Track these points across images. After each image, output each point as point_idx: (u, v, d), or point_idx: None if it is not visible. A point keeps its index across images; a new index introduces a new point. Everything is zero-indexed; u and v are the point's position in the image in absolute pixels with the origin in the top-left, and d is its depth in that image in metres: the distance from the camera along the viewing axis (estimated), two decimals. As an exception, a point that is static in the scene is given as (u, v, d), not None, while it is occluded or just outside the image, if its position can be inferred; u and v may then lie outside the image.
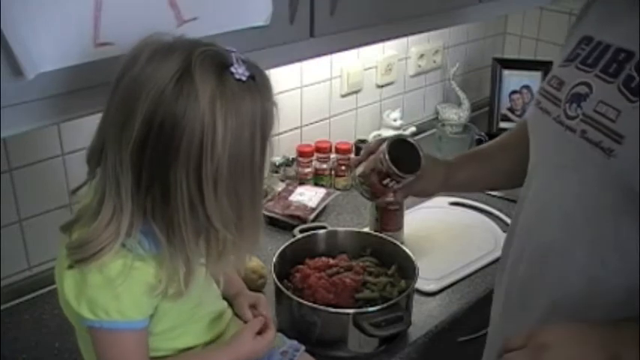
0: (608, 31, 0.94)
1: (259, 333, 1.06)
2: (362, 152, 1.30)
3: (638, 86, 0.85)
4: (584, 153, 0.89)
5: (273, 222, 1.65)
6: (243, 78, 0.83)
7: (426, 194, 1.36)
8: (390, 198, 1.29)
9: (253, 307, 1.13)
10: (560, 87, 0.97)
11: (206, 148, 0.80)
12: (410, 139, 1.27)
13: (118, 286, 0.87)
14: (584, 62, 0.95)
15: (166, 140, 0.80)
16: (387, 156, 1.21)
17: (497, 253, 1.24)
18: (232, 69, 0.83)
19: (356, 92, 1.98)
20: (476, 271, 1.46)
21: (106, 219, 0.85)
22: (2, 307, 1.33)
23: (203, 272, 0.95)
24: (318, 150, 1.82)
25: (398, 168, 1.20)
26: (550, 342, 0.85)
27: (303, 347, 1.14)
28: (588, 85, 0.92)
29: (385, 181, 1.23)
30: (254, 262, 1.38)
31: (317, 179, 1.83)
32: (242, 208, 0.88)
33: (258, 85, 0.85)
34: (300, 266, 1.31)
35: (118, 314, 0.88)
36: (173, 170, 0.81)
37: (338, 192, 1.78)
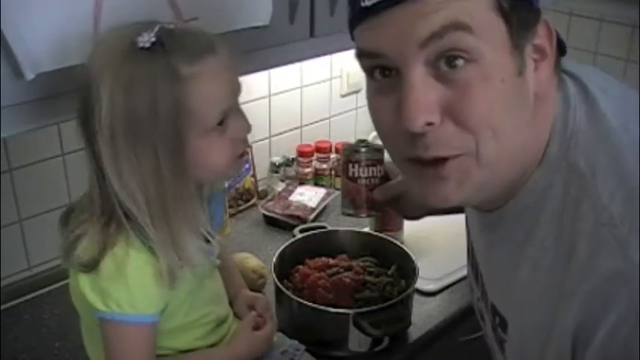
0: None
1: (256, 329, 1.07)
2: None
3: None
4: None
5: (273, 222, 1.65)
6: (147, 45, 0.83)
7: (411, 212, 1.20)
8: (370, 212, 1.19)
9: (252, 307, 1.13)
10: None
11: (97, 115, 0.82)
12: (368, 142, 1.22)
13: (130, 278, 0.87)
14: None
15: (83, 119, 0.86)
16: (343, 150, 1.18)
17: (497, 253, 1.24)
18: (138, 39, 0.83)
19: (356, 92, 1.98)
20: (466, 277, 1.46)
21: (97, 214, 0.89)
22: (2, 307, 1.33)
23: (199, 261, 0.94)
24: (318, 150, 1.82)
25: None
26: None
27: (303, 347, 1.14)
28: None
29: (350, 173, 1.17)
30: (254, 262, 1.39)
31: (317, 179, 1.83)
32: (147, 183, 0.85)
33: (165, 51, 0.83)
34: (300, 266, 1.31)
35: (130, 307, 0.89)
36: (90, 149, 0.86)
37: (338, 192, 1.78)
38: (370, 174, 1.15)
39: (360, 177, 1.16)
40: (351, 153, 1.16)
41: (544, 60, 0.72)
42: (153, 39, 0.83)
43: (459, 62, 0.67)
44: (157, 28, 0.84)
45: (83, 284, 0.89)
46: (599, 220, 0.68)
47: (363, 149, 1.16)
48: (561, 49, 0.75)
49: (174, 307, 0.96)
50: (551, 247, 0.73)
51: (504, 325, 0.83)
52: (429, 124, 0.68)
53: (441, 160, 0.71)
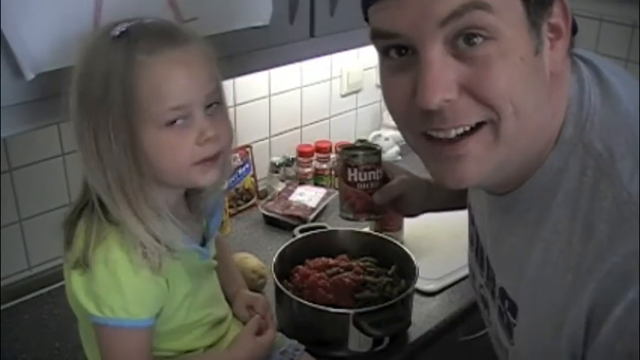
0: None
1: (259, 333, 1.06)
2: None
3: None
4: None
5: (273, 222, 1.65)
6: (116, 33, 0.84)
7: (410, 211, 1.23)
8: (370, 216, 1.19)
9: (251, 307, 1.13)
10: None
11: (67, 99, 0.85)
12: (365, 143, 1.21)
13: (124, 283, 0.87)
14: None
15: None
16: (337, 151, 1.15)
17: (497, 253, 1.24)
18: (113, 28, 0.84)
19: (356, 92, 1.98)
20: (467, 276, 1.46)
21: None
22: (2, 307, 1.33)
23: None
24: (318, 150, 1.82)
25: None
26: None
27: (303, 347, 1.14)
28: None
29: (349, 178, 1.14)
30: (254, 262, 1.38)
31: (317, 179, 1.83)
32: (106, 167, 0.84)
33: (130, 39, 0.83)
34: (300, 266, 1.31)
35: (123, 311, 0.88)
36: None
37: (337, 192, 1.78)
38: (369, 178, 1.14)
39: (359, 181, 1.14)
40: (349, 157, 1.14)
41: (560, 39, 0.73)
42: (123, 29, 0.84)
43: (478, 40, 0.67)
44: (135, 21, 0.85)
45: (77, 288, 0.89)
46: (619, 200, 0.68)
47: (361, 153, 1.14)
48: (573, 28, 0.75)
49: (171, 310, 0.96)
50: (565, 229, 0.73)
51: (514, 309, 0.82)
52: (446, 100, 0.68)
53: (459, 138, 0.71)
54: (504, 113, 0.69)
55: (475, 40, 0.67)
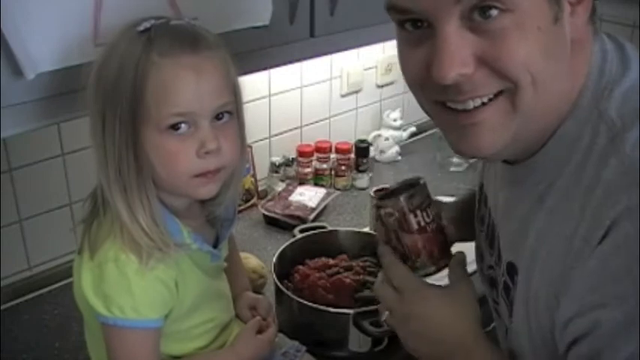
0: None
1: (260, 332, 1.06)
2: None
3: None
4: None
5: (273, 222, 1.65)
6: (140, 29, 0.84)
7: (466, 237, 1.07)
8: (450, 256, 0.94)
9: (253, 308, 1.13)
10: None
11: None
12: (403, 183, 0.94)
13: (133, 283, 0.87)
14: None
15: None
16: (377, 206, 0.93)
17: (497, 253, 1.23)
18: (140, 24, 0.84)
19: (356, 92, 1.98)
20: (476, 271, 1.45)
21: None
22: (2, 307, 1.33)
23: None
24: (318, 150, 1.82)
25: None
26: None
27: (304, 348, 1.14)
28: None
29: (416, 225, 0.90)
30: (254, 262, 1.38)
31: (317, 179, 1.83)
32: (108, 158, 0.84)
33: (150, 37, 0.83)
34: (300, 266, 1.31)
35: (133, 312, 0.88)
36: None
37: (338, 192, 1.78)
38: (433, 213, 0.91)
39: (427, 223, 0.90)
40: (405, 202, 0.89)
41: (580, 4, 0.72)
42: (148, 25, 0.84)
43: (494, 12, 0.66)
44: (163, 19, 0.85)
45: (86, 287, 0.88)
46: (619, 168, 0.68)
47: (411, 190, 0.90)
48: None
49: (179, 312, 0.95)
50: (568, 196, 0.72)
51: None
52: (462, 75, 0.68)
53: (476, 109, 0.71)
54: (522, 82, 0.69)
55: (491, 12, 0.66)
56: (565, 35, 0.71)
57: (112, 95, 0.83)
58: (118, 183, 0.85)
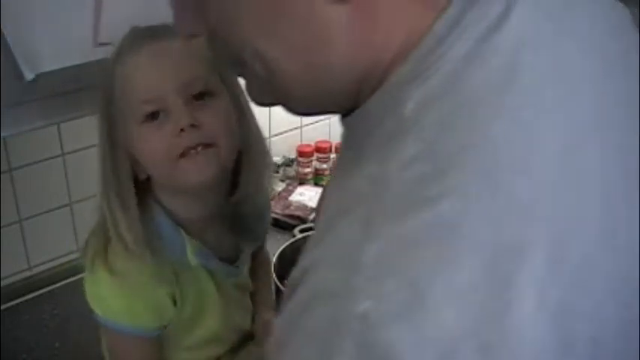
0: None
1: None
2: None
3: None
4: None
5: (273, 222, 1.65)
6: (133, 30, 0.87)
7: None
8: None
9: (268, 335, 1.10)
10: None
11: None
12: None
13: (128, 290, 0.87)
14: None
15: None
16: None
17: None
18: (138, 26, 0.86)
19: (356, 92, 1.97)
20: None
21: None
22: (2, 307, 1.33)
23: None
24: (318, 150, 1.82)
25: None
26: None
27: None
28: None
29: None
30: (254, 262, 1.38)
31: (317, 179, 1.83)
32: (104, 159, 0.86)
33: (131, 38, 0.85)
34: (300, 266, 1.31)
35: (127, 318, 0.88)
36: None
37: (338, 192, 1.78)
38: None
39: None
40: None
41: None
42: (137, 27, 0.86)
43: None
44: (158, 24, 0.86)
45: (87, 288, 0.89)
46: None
47: None
48: None
49: (181, 324, 0.93)
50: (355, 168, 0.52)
51: None
52: None
53: None
54: None
55: None
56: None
57: (103, 98, 0.85)
58: (103, 185, 0.85)
